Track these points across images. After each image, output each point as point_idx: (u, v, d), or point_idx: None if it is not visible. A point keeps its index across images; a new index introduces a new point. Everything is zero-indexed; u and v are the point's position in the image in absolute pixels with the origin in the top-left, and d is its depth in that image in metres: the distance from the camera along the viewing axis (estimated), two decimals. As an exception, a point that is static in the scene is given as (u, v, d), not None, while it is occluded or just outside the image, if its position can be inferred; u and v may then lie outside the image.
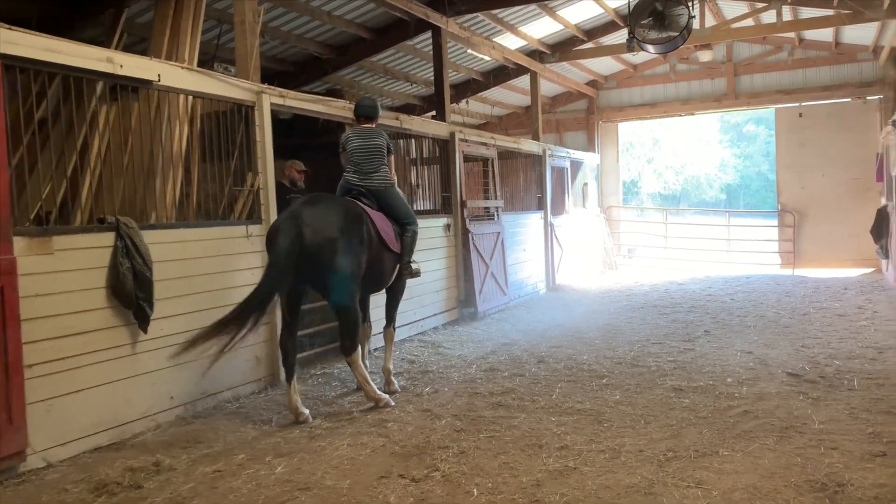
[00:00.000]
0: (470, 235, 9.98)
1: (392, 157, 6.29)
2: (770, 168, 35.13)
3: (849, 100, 15.00)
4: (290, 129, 8.47)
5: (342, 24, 10.55)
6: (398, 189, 6.34)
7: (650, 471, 4.04)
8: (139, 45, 8.31)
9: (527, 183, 13.47)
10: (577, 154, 15.40)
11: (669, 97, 16.94)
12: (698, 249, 17.02)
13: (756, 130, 42.52)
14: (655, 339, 8.02)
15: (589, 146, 17.37)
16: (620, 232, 17.90)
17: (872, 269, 14.01)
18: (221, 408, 5.70)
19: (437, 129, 9.85)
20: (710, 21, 13.65)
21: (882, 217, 12.03)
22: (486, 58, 13.20)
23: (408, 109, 14.29)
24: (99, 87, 5.79)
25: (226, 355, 5.05)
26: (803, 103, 15.34)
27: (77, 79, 4.97)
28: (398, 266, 6.15)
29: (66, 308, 4.63)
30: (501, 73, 14.92)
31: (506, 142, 11.98)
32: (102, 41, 7.18)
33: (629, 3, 9.68)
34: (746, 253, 16.95)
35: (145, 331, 5.09)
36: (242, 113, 6.32)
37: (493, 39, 12.65)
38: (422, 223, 6.91)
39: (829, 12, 11.70)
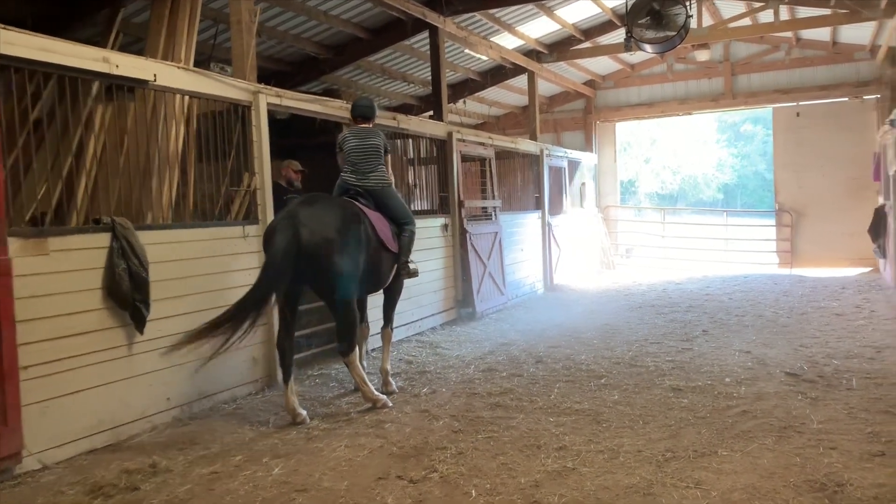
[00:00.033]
0: (468, 235, 9.96)
1: (389, 157, 6.27)
2: (767, 168, 35.19)
3: (846, 99, 15.01)
4: (288, 130, 8.45)
5: (339, 24, 10.53)
6: (395, 189, 6.32)
7: (649, 471, 4.03)
8: (135, 44, 8.28)
9: (524, 183, 13.46)
10: (575, 154, 15.39)
11: (667, 97, 16.94)
12: (696, 249, 17.02)
13: (753, 130, 42.56)
14: (653, 338, 8.01)
15: (586, 146, 17.36)
16: (618, 232, 17.89)
17: (870, 269, 14.01)
18: (218, 409, 5.68)
19: (435, 128, 9.83)
20: (707, 20, 13.63)
21: (879, 216, 12.04)
22: (484, 57, 13.19)
23: (405, 109, 14.27)
24: (95, 87, 5.77)
25: (222, 356, 5.04)
26: (801, 103, 15.34)
27: (73, 79, 4.94)
28: (396, 266, 6.14)
29: (62, 309, 4.61)
30: (499, 73, 14.90)
31: (503, 142, 11.97)
32: (98, 41, 7.15)
33: (627, 2, 9.67)
34: (744, 252, 16.95)
35: (142, 332, 5.07)
36: (239, 113, 6.30)
37: (491, 39, 12.64)
38: (419, 223, 6.90)
39: (827, 12, 11.70)
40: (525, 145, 12.82)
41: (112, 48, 6.88)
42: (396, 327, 7.04)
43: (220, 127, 6.20)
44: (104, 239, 4.89)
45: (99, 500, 3.91)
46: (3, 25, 4.35)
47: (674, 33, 9.56)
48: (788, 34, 14.58)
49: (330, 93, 11.79)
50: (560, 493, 3.77)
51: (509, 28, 12.63)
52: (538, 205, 13.08)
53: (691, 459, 4.19)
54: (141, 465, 4.34)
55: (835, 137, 14.88)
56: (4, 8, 6.58)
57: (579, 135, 17.72)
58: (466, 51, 12.52)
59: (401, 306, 6.79)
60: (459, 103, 15.75)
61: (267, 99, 6.48)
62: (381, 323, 6.39)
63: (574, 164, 15.14)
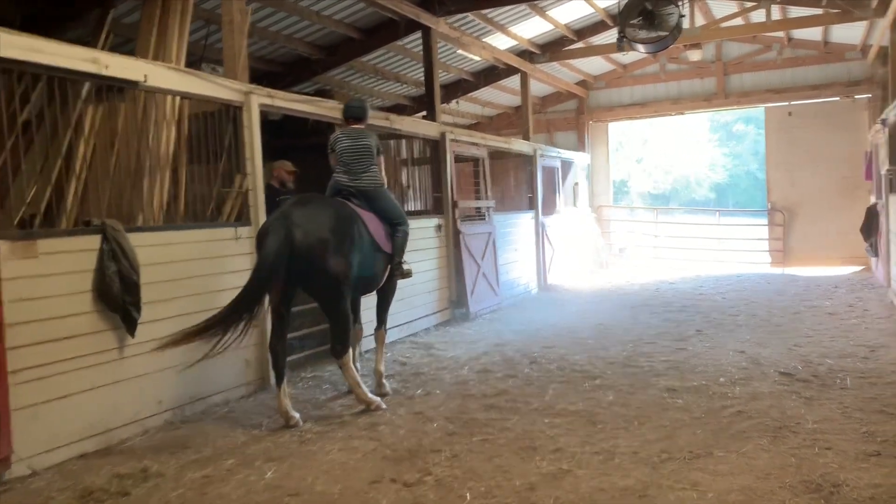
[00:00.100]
0: (461, 236, 9.94)
1: (382, 158, 6.24)
2: (759, 167, 35.30)
3: (838, 98, 15.06)
4: (280, 130, 8.41)
5: (331, 25, 10.49)
6: (388, 190, 6.30)
7: (645, 473, 4.01)
8: (126, 45, 8.22)
9: (518, 183, 13.44)
10: (568, 154, 15.39)
11: (659, 97, 16.96)
12: (689, 248, 17.04)
13: (745, 129, 42.73)
14: (648, 338, 8.00)
15: (579, 146, 17.37)
16: (611, 231, 17.91)
17: (862, 267, 14.06)
18: (211, 412, 5.63)
19: (428, 129, 9.80)
20: (699, 20, 13.67)
21: (871, 215, 12.06)
22: (477, 58, 13.17)
23: (398, 110, 14.23)
24: (85, 88, 5.72)
25: (214, 358, 4.99)
26: (793, 102, 15.38)
27: (62, 80, 4.89)
28: (389, 267, 6.11)
29: (52, 312, 4.55)
30: (492, 74, 14.89)
31: (496, 142, 11.96)
32: (89, 41, 7.09)
33: (619, 2, 9.67)
34: (737, 252, 16.99)
35: (133, 335, 5.01)
36: (230, 114, 6.25)
37: (484, 39, 12.62)
38: (413, 224, 6.87)
39: (818, 11, 11.74)
40: (518, 145, 12.80)
41: (102, 49, 6.83)
42: (390, 328, 7.02)
43: (212, 128, 6.16)
44: (94, 241, 4.84)
45: (89, 506, 3.87)
46: (-10, 26, 4.30)
47: (666, 33, 9.58)
48: (780, 34, 14.62)
49: (322, 93, 11.74)
50: (555, 496, 3.75)
51: (502, 28, 12.62)
52: (531, 205, 13.06)
53: (687, 461, 4.17)
54: (132, 469, 4.30)
55: (827, 137, 14.93)
56: (-7, 8, 6.53)
57: (572, 135, 17.73)
58: (459, 51, 12.49)
59: (394, 307, 6.76)
60: (452, 103, 15.74)
61: (259, 99, 6.44)
62: (375, 324, 6.36)
63: (567, 164, 15.14)
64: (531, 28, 13.34)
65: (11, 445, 4.22)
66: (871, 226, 12.00)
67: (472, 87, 15.21)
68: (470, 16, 11.45)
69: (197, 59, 8.68)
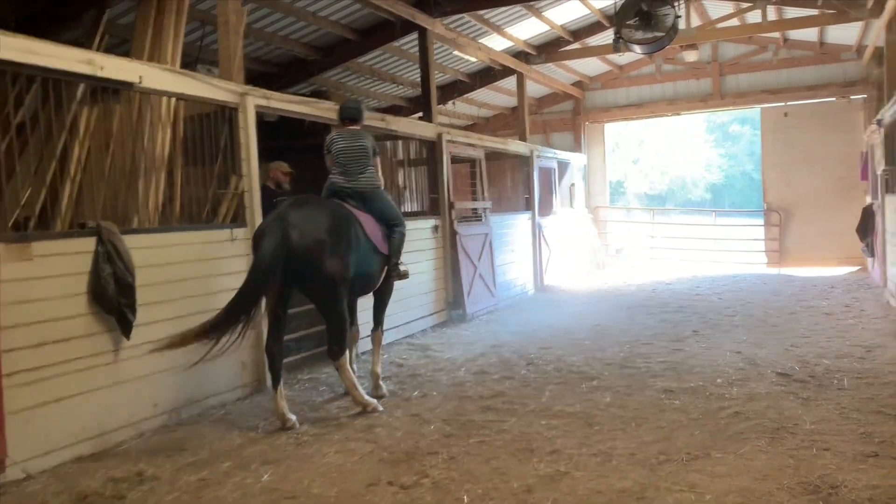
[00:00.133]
0: (458, 237, 9.92)
1: (378, 160, 6.23)
2: (755, 168, 35.39)
3: (833, 99, 15.09)
4: (276, 131, 8.38)
5: (327, 25, 10.47)
6: (385, 191, 6.28)
7: (642, 475, 4.00)
8: (121, 46, 8.19)
9: (514, 184, 13.44)
10: (564, 155, 15.39)
11: (655, 97, 16.97)
12: (685, 249, 17.06)
13: (741, 130, 42.80)
14: (644, 339, 8.00)
15: (576, 147, 17.37)
16: (608, 232, 17.91)
17: (858, 268, 14.08)
18: (207, 414, 5.61)
19: (424, 130, 9.79)
20: (695, 21, 13.68)
21: (867, 215, 12.08)
22: (473, 59, 13.16)
23: (394, 111, 14.22)
24: (80, 89, 5.70)
25: (210, 360, 4.97)
26: (788, 103, 15.41)
27: (57, 81, 4.87)
28: (386, 268, 6.09)
29: (47, 315, 4.53)
30: (488, 75, 14.88)
31: (493, 143, 11.95)
32: (83, 43, 7.06)
33: (615, 3, 9.67)
34: (733, 252, 17.00)
35: (128, 337, 4.99)
36: (226, 115, 6.23)
37: (480, 40, 12.61)
38: (409, 225, 6.85)
39: (814, 12, 11.76)
40: (515, 146, 12.80)
41: (97, 50, 6.80)
42: (387, 330, 6.99)
43: (208, 129, 6.13)
44: (89, 243, 4.82)
45: (84, 510, 3.85)
46: (-16, 27, 4.27)
47: (662, 34, 9.58)
48: (776, 35, 14.65)
49: (318, 94, 11.73)
50: (553, 498, 3.74)
51: (498, 29, 12.61)
52: (528, 206, 13.06)
53: (685, 462, 4.16)
54: (127, 473, 4.28)
55: (822, 137, 14.95)
56: (-13, 9, 6.50)
57: (568, 136, 17.73)
58: (455, 52, 12.48)
59: (391, 308, 6.75)
60: (449, 105, 15.72)
61: (254, 101, 6.42)
62: (371, 326, 6.35)
63: (564, 165, 15.14)
64: (527, 29, 13.33)
65: (6, 449, 4.19)
66: (867, 226, 12.01)
67: (469, 88, 15.21)
68: (466, 17, 11.44)
69: (193, 61, 8.65)
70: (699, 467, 4.07)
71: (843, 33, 13.55)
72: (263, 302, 5.35)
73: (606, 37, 13.81)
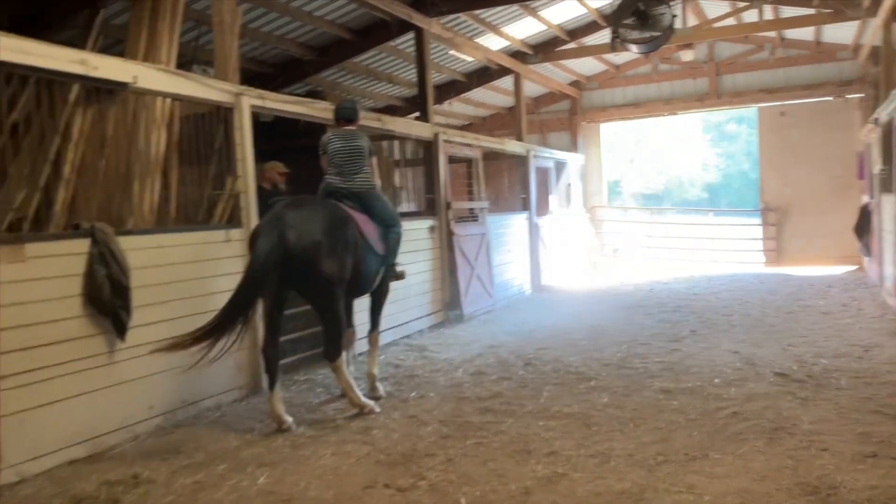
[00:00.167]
0: (455, 237, 9.90)
1: (375, 160, 6.21)
2: (751, 167, 35.41)
3: (830, 98, 15.08)
4: (272, 132, 8.35)
5: (323, 25, 10.44)
6: (381, 191, 6.26)
7: (641, 476, 3.98)
8: (116, 46, 8.15)
9: (511, 184, 13.42)
10: (561, 154, 15.38)
11: (652, 97, 16.95)
12: (683, 249, 17.04)
13: (737, 129, 42.82)
14: (642, 339, 7.98)
15: (572, 147, 17.35)
16: (605, 232, 17.90)
17: (855, 267, 14.08)
18: (202, 416, 5.58)
19: (421, 130, 9.77)
20: (691, 20, 13.68)
21: (865, 215, 12.08)
22: (469, 59, 13.14)
23: (391, 111, 14.17)
24: (74, 90, 5.67)
25: (208, 364, 4.93)
26: (785, 102, 15.40)
27: (51, 81, 4.84)
28: (383, 269, 6.07)
29: (41, 317, 4.50)
30: (484, 74, 14.85)
31: (490, 142, 11.93)
32: (77, 43, 7.03)
33: (612, 2, 9.66)
34: (730, 252, 17.00)
35: (123, 339, 4.96)
36: (221, 115, 6.20)
37: (476, 40, 12.58)
38: (406, 225, 6.83)
39: (811, 11, 11.76)
40: (511, 146, 12.77)
41: (92, 50, 6.77)
42: (383, 331, 6.96)
43: (203, 129, 6.11)
44: (83, 245, 4.79)
45: (79, 514, 3.82)
46: (-24, 27, 4.24)
47: (659, 33, 9.59)
48: (772, 34, 14.63)
49: (314, 94, 11.68)
50: (551, 500, 3.72)
51: (494, 29, 12.59)
52: (525, 206, 13.03)
53: (683, 463, 4.14)
54: (122, 476, 4.25)
55: (819, 136, 14.95)
56: (-20, 9, 6.46)
57: (565, 135, 17.71)
58: (452, 52, 12.45)
59: (388, 309, 6.72)
60: (445, 104, 15.70)
61: (250, 101, 6.39)
62: (368, 326, 6.32)
63: (560, 165, 15.12)
64: (524, 28, 13.31)
65: (0, 452, 4.16)
66: (864, 225, 12.01)
67: (465, 87, 15.18)
68: (462, 16, 11.42)
69: (188, 61, 8.61)
70: (697, 468, 4.06)
71: (840, 32, 13.54)
72: (260, 303, 5.32)
73: (603, 36, 13.81)
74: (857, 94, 14.64)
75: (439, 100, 14.89)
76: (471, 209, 10.83)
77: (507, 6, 11.45)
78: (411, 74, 13.29)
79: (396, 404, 5.76)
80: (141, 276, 5.11)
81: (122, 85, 5.23)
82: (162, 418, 5.33)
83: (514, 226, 12.41)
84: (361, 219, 5.80)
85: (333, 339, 5.40)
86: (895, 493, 3.60)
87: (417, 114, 10.81)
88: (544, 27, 13.48)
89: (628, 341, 7.87)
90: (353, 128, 6.16)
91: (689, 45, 14.28)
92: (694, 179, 43.72)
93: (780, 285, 12.27)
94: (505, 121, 17.81)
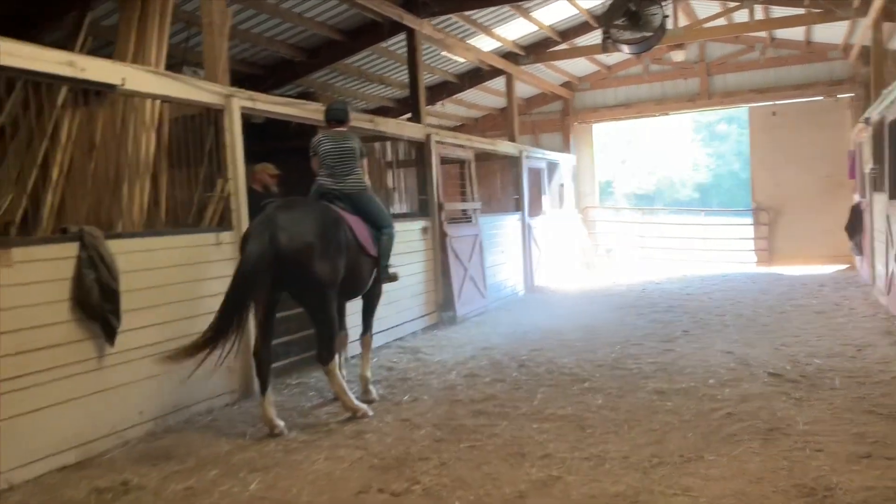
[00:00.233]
0: (447, 238, 9.87)
1: (365, 161, 6.17)
2: (742, 167, 35.52)
3: (821, 98, 15.14)
4: (263, 134, 8.29)
5: (314, 27, 10.40)
6: (373, 193, 6.23)
7: (636, 478, 3.95)
8: (105, 48, 8.09)
9: (504, 185, 13.40)
10: (553, 155, 15.37)
11: (643, 98, 16.98)
12: (675, 248, 17.07)
13: (728, 129, 42.95)
14: (635, 339, 7.96)
15: (564, 147, 17.36)
16: (597, 232, 17.91)
17: (847, 266, 14.12)
18: (194, 421, 5.52)
19: (413, 131, 9.73)
20: (682, 21, 13.69)
21: (856, 214, 12.12)
22: (461, 60, 13.12)
23: (382, 112, 14.15)
24: (62, 92, 5.61)
25: (196, 366, 4.89)
26: (776, 102, 15.44)
27: (38, 84, 4.78)
28: (375, 271, 6.03)
29: (28, 322, 4.44)
30: (476, 75, 14.85)
31: (482, 143, 11.90)
32: (66, 45, 6.96)
33: (603, 3, 9.66)
34: (722, 251, 17.03)
35: (112, 344, 4.90)
36: (211, 117, 6.14)
37: (468, 41, 12.57)
38: (399, 226, 6.79)
39: (801, 11, 11.80)
40: (504, 147, 12.75)
41: (80, 52, 6.70)
42: (376, 333, 6.93)
43: (193, 132, 6.05)
44: (72, 249, 4.73)
45: (68, 522, 3.77)
46: (-39, 28, 4.18)
47: (651, 34, 9.58)
48: (763, 34, 14.69)
49: (305, 96, 11.64)
50: (546, 504, 3.69)
51: (486, 30, 12.57)
52: (518, 206, 13.01)
53: (678, 465, 4.12)
54: (112, 482, 4.19)
55: (810, 136, 14.99)
56: (-34, 11, 6.39)
57: (557, 136, 17.72)
58: (444, 53, 12.43)
59: (381, 311, 6.68)
60: (437, 105, 15.67)
61: (240, 102, 6.33)
62: (361, 329, 6.28)
63: (553, 166, 15.12)
64: (515, 29, 13.30)
65: (-13, 460, 4.11)
66: (855, 224, 12.05)
67: (457, 88, 15.17)
68: (454, 17, 11.40)
69: (178, 62, 8.56)
70: (692, 470, 4.03)
71: (830, 32, 13.60)
72: (251, 303, 5.27)
73: (595, 37, 13.81)
74: (848, 93, 14.70)
75: (431, 101, 14.87)
76: (463, 210, 10.80)
77: (498, 7, 11.43)
78: (403, 76, 13.26)
79: (389, 407, 5.72)
80: (130, 280, 5.05)
81: (111, 87, 5.18)
82: (153, 423, 5.27)
83: (506, 227, 12.39)
84: (353, 220, 5.76)
85: (326, 342, 5.36)
86: (891, 493, 3.59)
87: (409, 115, 10.79)
88: (536, 28, 13.47)
89: (622, 342, 7.86)
90: (345, 129, 6.12)
91: (680, 46, 14.31)
92: (685, 179, 43.84)
93: (772, 285, 12.29)
94: (497, 122, 17.80)
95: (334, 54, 11.41)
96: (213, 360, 4.83)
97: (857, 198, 12.60)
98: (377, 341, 7.63)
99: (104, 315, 4.79)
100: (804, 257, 15.02)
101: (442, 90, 15.15)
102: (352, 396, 5.54)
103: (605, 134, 34.13)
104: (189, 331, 5.41)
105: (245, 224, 6.09)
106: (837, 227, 13.07)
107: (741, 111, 18.73)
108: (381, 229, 6.04)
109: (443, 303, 9.83)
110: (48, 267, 4.59)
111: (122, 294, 4.89)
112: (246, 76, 10.86)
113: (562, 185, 15.71)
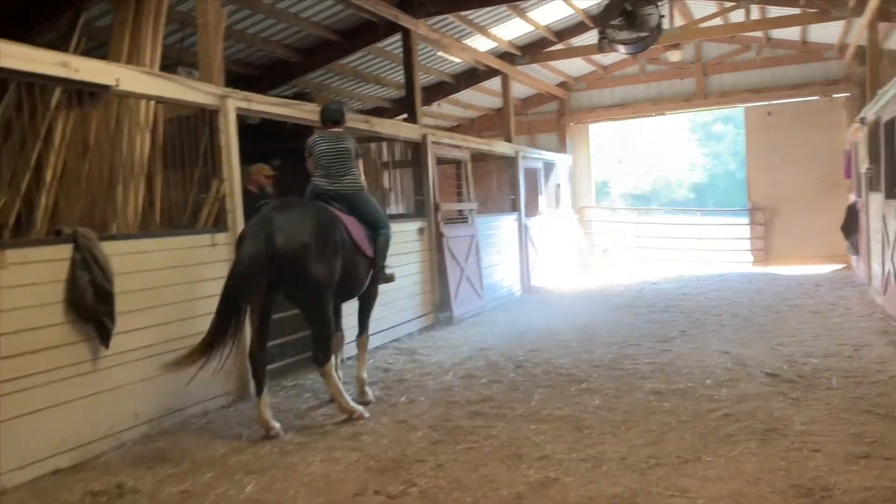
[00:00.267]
0: (444, 239, 9.85)
1: (361, 162, 6.15)
2: (738, 167, 35.55)
3: (817, 98, 15.15)
4: (258, 134, 8.27)
5: (309, 27, 10.37)
6: (369, 193, 6.21)
7: (633, 480, 3.94)
8: (99, 49, 8.05)
9: (500, 185, 13.38)
10: (550, 155, 15.36)
11: (640, 98, 16.98)
12: (671, 248, 17.07)
13: (724, 129, 43.00)
14: (632, 340, 7.95)
15: (561, 147, 17.35)
16: (594, 232, 17.91)
17: (843, 266, 14.14)
18: (189, 423, 5.49)
19: (409, 131, 9.71)
20: (678, 21, 13.70)
21: (852, 214, 12.13)
22: (457, 60, 13.10)
23: (378, 112, 14.13)
24: (56, 93, 5.58)
25: (192, 368, 4.86)
26: (772, 102, 15.45)
27: (31, 85, 4.75)
28: (371, 271, 6.01)
29: (22, 325, 4.41)
30: (472, 76, 14.83)
31: (478, 144, 11.89)
32: (59, 46, 6.93)
33: (600, 3, 9.65)
34: (719, 251, 17.05)
35: (107, 346, 4.88)
36: (206, 118, 6.12)
37: (464, 41, 12.55)
38: (395, 227, 6.77)
39: (797, 11, 11.80)
40: (500, 147, 12.74)
41: (74, 53, 6.67)
42: (372, 334, 6.90)
43: (188, 132, 6.03)
44: (66, 251, 4.70)
45: (62, 525, 3.74)
46: (-47, 29, 4.16)
47: (647, 34, 9.58)
48: (759, 34, 14.69)
49: (301, 96, 11.61)
50: (543, 506, 3.67)
51: (482, 30, 12.55)
52: (514, 207, 13.00)
53: (675, 466, 4.11)
54: (107, 485, 4.17)
55: (806, 136, 15.01)
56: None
57: (553, 136, 17.71)
58: (439, 53, 12.41)
59: (377, 312, 6.67)
60: (433, 106, 15.65)
61: (235, 103, 6.31)
62: (357, 330, 6.26)
63: (549, 166, 15.10)
64: (511, 30, 13.29)
65: (-20, 463, 4.08)
66: (851, 224, 12.06)
67: (453, 89, 15.15)
68: (449, 17, 11.37)
69: (172, 63, 8.53)
70: (690, 471, 4.02)
71: (826, 32, 13.61)
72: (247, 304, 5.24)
73: (591, 37, 13.81)
74: (844, 93, 14.73)
75: (427, 101, 14.84)
76: (460, 211, 10.79)
77: (494, 7, 11.42)
78: (399, 76, 13.25)
79: (386, 409, 5.70)
80: (125, 282, 5.02)
81: (105, 88, 5.15)
82: (148, 426, 5.24)
83: (503, 227, 12.37)
84: (349, 221, 5.75)
85: (322, 344, 5.34)
86: (889, 494, 3.58)
87: (405, 115, 10.76)
88: (532, 28, 13.46)
89: (618, 342, 7.85)
90: (340, 130, 6.11)
91: (676, 46, 14.31)
92: (681, 179, 43.88)
93: (769, 285, 12.29)
94: (493, 122, 17.79)
95: (330, 55, 11.38)
96: (214, 365, 4.80)
97: (853, 198, 12.61)
98: (373, 342, 7.60)
99: (98, 317, 4.77)
100: (800, 257, 15.04)
101: (438, 90, 15.13)
102: (348, 398, 5.52)
103: (602, 134, 34.15)
104: (184, 333, 5.40)
105: (240, 225, 6.06)
106: (833, 226, 13.09)
107: (737, 111, 18.74)
108: (377, 230, 6.03)
109: (439, 303, 9.81)
110: (42, 269, 4.57)
111: (116, 296, 4.86)
112: (241, 77, 10.83)
113: (558, 186, 15.69)
